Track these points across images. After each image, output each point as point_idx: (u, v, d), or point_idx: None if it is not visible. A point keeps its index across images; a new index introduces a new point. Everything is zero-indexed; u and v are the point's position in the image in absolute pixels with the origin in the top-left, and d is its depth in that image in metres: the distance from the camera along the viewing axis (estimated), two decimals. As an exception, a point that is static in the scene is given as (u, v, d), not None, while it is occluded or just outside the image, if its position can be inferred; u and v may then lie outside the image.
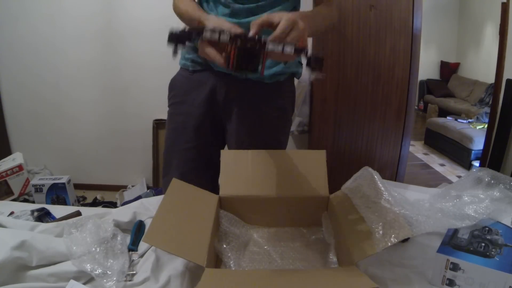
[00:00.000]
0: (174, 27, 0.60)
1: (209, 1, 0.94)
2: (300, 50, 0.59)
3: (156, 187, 2.64)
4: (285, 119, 1.05)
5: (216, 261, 0.69)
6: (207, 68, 0.97)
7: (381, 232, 0.59)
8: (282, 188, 0.80)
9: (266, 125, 1.01)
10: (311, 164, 0.83)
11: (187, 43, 0.60)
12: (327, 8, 0.93)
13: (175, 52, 0.60)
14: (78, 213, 0.86)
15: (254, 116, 0.99)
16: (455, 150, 3.69)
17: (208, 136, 1.01)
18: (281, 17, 0.64)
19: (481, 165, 2.19)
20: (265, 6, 0.91)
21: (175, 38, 0.60)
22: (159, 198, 0.84)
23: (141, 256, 0.71)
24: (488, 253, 0.59)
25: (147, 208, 0.87)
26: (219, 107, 0.99)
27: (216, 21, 0.70)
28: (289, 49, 0.58)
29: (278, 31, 0.62)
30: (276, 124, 1.03)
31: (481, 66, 4.75)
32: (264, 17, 0.65)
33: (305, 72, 1.95)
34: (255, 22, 0.64)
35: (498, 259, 0.58)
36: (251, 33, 0.62)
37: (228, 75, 0.97)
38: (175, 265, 0.67)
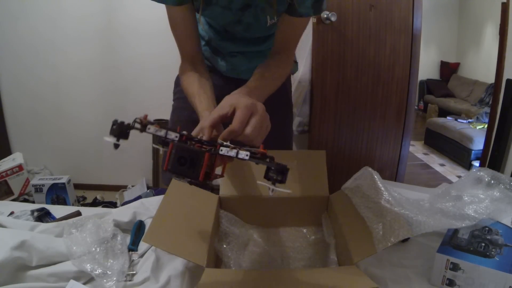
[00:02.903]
0: (117, 120, 0.51)
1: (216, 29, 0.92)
2: (258, 157, 0.48)
3: (156, 187, 2.64)
4: (291, 113, 1.13)
5: (216, 261, 0.69)
6: (213, 71, 0.98)
7: (381, 232, 0.59)
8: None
9: (275, 120, 1.04)
10: (311, 164, 0.83)
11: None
12: (282, 65, 0.83)
13: (116, 146, 0.51)
14: (78, 213, 0.86)
15: None
16: (455, 150, 3.69)
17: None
18: (235, 106, 0.56)
19: (481, 165, 2.18)
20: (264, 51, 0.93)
21: (118, 132, 0.50)
22: (159, 198, 0.84)
23: (141, 256, 0.71)
24: (488, 253, 0.59)
25: (147, 208, 0.87)
26: None
27: (204, 125, 0.60)
28: (243, 155, 0.48)
29: (236, 123, 0.54)
30: (284, 119, 1.08)
31: (481, 66, 4.75)
32: (214, 115, 0.57)
33: (306, 71, 1.95)
34: (205, 125, 0.55)
35: (498, 259, 0.58)
36: (205, 137, 0.53)
37: (235, 79, 0.97)
38: (175, 265, 0.67)
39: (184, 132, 0.51)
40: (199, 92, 0.76)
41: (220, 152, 0.49)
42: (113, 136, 0.50)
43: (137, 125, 0.50)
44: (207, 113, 0.68)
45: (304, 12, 0.76)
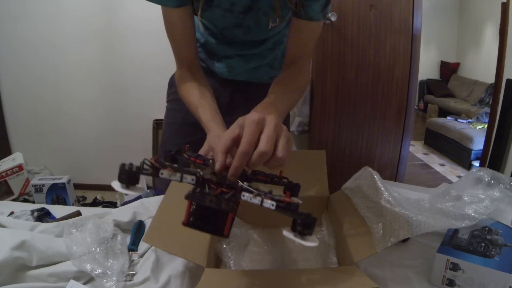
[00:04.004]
0: (125, 164, 0.47)
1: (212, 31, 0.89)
2: (284, 207, 0.44)
3: (156, 187, 2.64)
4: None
5: (216, 261, 0.69)
6: (208, 72, 0.97)
7: (381, 232, 0.59)
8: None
9: None
10: (311, 164, 0.83)
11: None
12: (298, 76, 0.79)
13: (126, 193, 0.47)
14: (78, 213, 0.86)
15: None
16: (455, 150, 3.69)
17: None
18: (244, 123, 0.49)
19: (481, 165, 2.19)
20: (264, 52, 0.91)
21: (126, 179, 0.46)
22: (159, 198, 0.84)
23: (141, 256, 0.71)
24: (488, 253, 0.59)
25: (147, 208, 0.87)
26: (222, 109, 0.99)
27: (213, 142, 0.58)
28: (269, 204, 0.44)
29: (243, 142, 0.47)
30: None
31: (481, 66, 4.75)
32: (225, 138, 0.49)
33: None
34: (219, 149, 0.49)
35: (498, 259, 0.58)
36: (217, 166, 0.48)
37: (231, 81, 0.97)
38: (175, 265, 0.67)
39: (200, 172, 0.46)
40: (200, 102, 0.73)
41: (243, 198, 0.45)
42: (121, 183, 0.46)
43: (147, 168, 0.46)
44: (213, 124, 0.66)
45: (314, 16, 0.73)
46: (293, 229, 0.44)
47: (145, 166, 0.46)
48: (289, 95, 0.74)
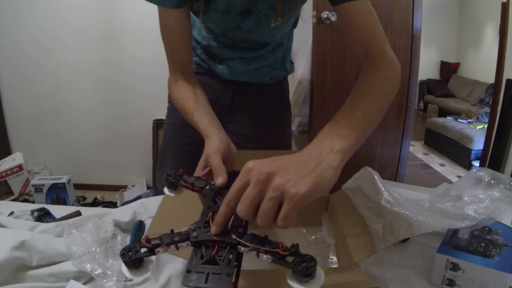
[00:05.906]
0: (125, 252, 0.44)
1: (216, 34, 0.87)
2: (281, 258, 0.42)
3: (156, 187, 2.64)
4: (289, 112, 1.11)
5: (216, 261, 0.69)
6: (210, 73, 0.97)
7: (381, 232, 0.59)
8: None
9: (274, 121, 1.05)
10: (311, 164, 0.83)
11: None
12: (374, 73, 0.61)
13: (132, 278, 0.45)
14: (78, 213, 0.86)
15: (262, 116, 1.02)
16: (455, 150, 3.69)
17: None
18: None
19: (481, 165, 2.19)
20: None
21: (131, 264, 0.44)
22: (159, 198, 0.84)
23: (141, 256, 0.71)
24: (488, 253, 0.59)
25: (147, 208, 0.87)
26: (223, 110, 0.99)
27: (209, 156, 0.56)
28: (265, 258, 0.42)
29: (227, 196, 0.45)
30: (281, 119, 1.08)
31: (481, 66, 4.75)
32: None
33: (306, 72, 1.95)
34: (217, 221, 0.45)
35: (498, 259, 0.58)
36: (218, 182, 0.51)
37: (232, 81, 0.97)
38: (175, 265, 0.67)
39: (193, 233, 0.46)
40: (196, 107, 0.70)
41: (240, 251, 0.43)
42: (128, 268, 0.45)
43: (144, 252, 0.45)
44: (211, 130, 0.63)
45: None
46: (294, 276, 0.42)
47: (142, 250, 0.45)
48: (367, 105, 0.56)
